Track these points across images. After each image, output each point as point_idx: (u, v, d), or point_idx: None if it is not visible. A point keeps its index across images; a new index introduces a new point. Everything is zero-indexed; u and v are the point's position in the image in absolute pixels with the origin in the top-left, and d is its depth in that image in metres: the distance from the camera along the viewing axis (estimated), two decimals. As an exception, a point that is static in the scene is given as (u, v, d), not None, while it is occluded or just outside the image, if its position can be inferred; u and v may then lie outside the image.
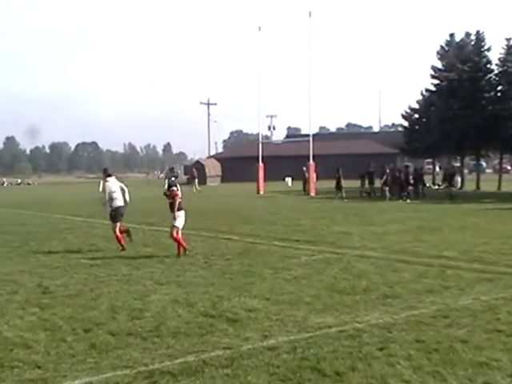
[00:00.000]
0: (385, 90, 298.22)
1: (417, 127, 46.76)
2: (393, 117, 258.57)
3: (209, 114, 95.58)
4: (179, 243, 12.79)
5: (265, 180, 43.50)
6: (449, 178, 31.17)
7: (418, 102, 47.52)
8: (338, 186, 32.08)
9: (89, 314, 7.86)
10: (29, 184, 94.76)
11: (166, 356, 6.04)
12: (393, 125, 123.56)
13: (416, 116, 47.69)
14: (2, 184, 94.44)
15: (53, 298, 8.82)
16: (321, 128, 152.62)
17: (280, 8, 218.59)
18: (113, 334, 6.90)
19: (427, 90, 46.18)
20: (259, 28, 44.12)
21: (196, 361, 5.88)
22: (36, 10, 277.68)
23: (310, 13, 40.49)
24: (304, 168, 39.34)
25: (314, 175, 39.54)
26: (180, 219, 12.84)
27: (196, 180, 47.77)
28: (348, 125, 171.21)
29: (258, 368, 5.68)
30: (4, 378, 5.56)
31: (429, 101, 44.90)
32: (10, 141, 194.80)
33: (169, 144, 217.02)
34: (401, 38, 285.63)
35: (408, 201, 29.56)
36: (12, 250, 14.21)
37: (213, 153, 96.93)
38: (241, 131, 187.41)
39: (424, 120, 45.68)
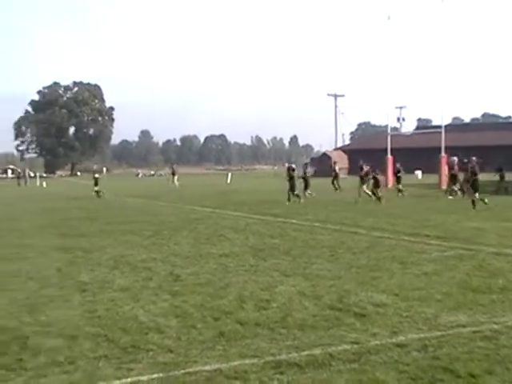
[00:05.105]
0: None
1: None
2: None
3: (336, 106, 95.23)
4: None
5: (394, 172, 42.53)
6: None
7: None
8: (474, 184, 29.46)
9: (217, 302, 8.05)
10: (161, 175, 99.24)
11: (292, 347, 6.05)
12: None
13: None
14: (137, 175, 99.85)
15: (184, 286, 9.13)
16: (454, 119, 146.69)
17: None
18: (241, 323, 7.01)
19: None
20: (388, 17, 43.10)
21: (322, 354, 5.83)
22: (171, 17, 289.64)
23: (442, -2, 38.91)
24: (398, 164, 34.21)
25: (445, 168, 38.04)
26: None
27: (175, 176, 49.17)
28: (484, 115, 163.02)
29: (387, 364, 5.52)
30: (140, 359, 5.83)
31: None
32: (145, 134, 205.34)
33: (295, 136, 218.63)
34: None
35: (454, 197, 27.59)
36: (146, 239, 14.92)
37: (340, 145, 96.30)
38: (368, 123, 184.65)
39: None
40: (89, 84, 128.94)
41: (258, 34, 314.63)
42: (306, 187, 28.56)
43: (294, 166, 29.09)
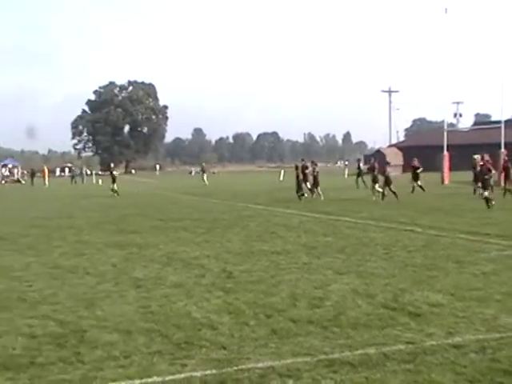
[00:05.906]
0: None
1: None
2: None
3: (390, 102, 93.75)
4: None
5: (450, 170, 41.66)
6: None
7: None
8: None
9: (270, 300, 8.03)
10: (213, 173, 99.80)
11: (346, 346, 5.97)
12: None
13: None
14: (190, 173, 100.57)
15: (236, 283, 9.15)
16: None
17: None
18: (293, 320, 6.97)
19: None
20: (445, 10, 42.21)
21: (376, 353, 5.73)
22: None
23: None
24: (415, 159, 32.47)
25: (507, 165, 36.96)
26: None
27: (204, 174, 50.79)
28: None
29: (443, 366, 5.39)
30: (193, 355, 5.86)
31: None
32: (197, 132, 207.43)
33: (348, 133, 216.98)
34: None
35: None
36: (199, 236, 15.04)
37: (394, 141, 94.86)
38: (424, 119, 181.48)
39: None
40: (143, 83, 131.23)
41: (311, 32, 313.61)
42: (316, 185, 28.22)
43: (299, 164, 29.18)
